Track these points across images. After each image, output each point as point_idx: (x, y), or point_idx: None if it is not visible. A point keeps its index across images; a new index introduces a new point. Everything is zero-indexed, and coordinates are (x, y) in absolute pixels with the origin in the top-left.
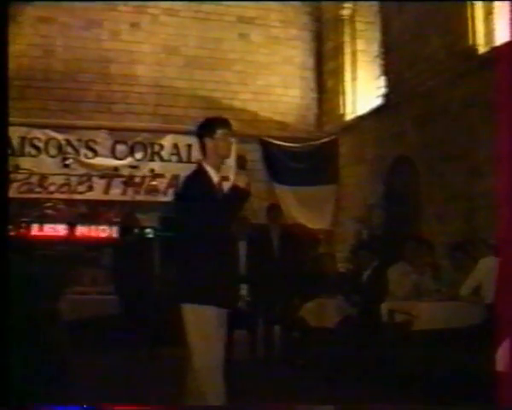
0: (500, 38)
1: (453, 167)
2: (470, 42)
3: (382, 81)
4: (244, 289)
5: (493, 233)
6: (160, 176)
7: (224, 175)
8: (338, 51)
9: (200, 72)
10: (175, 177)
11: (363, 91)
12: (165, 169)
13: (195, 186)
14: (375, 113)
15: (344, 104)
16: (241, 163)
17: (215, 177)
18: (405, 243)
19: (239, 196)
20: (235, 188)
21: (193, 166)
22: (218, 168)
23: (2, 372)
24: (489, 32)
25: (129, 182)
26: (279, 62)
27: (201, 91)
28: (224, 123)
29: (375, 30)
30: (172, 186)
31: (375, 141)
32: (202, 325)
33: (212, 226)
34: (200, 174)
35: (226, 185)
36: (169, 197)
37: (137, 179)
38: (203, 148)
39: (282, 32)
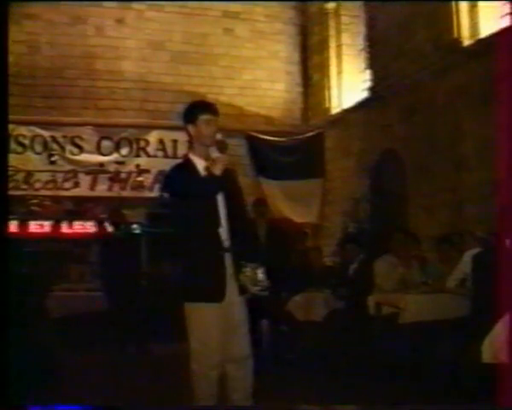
0: (485, 31)
1: (440, 160)
2: (455, 35)
3: (368, 74)
4: (261, 273)
5: (480, 226)
6: (146, 172)
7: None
8: (323, 45)
9: (186, 67)
10: (161, 172)
11: (349, 85)
12: (151, 165)
13: (179, 177)
14: (361, 106)
15: (330, 98)
16: (221, 147)
17: (201, 166)
18: (392, 236)
19: (214, 182)
20: (210, 174)
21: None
22: (205, 157)
23: (2, 372)
24: (474, 25)
25: (115, 178)
26: (265, 57)
27: (187, 86)
28: (205, 107)
29: (361, 23)
30: (158, 182)
31: (361, 134)
32: (194, 321)
33: (193, 217)
34: (184, 165)
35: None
36: (155, 193)
37: (123, 175)
38: (189, 135)
39: (268, 27)
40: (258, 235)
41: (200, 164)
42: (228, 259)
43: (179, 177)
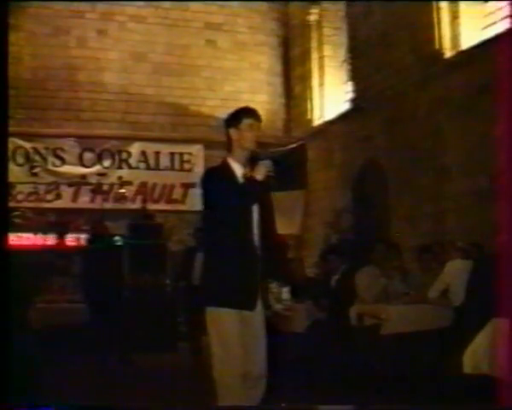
0: (466, 42)
1: (421, 171)
2: (437, 46)
3: (350, 86)
4: (286, 292)
5: (461, 236)
6: (128, 183)
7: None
8: (305, 57)
9: (168, 78)
10: (143, 184)
11: (331, 96)
12: (133, 176)
13: (217, 181)
14: (343, 117)
15: (312, 109)
16: (262, 154)
17: (239, 171)
18: (374, 247)
19: (255, 189)
20: (251, 180)
21: (162, 174)
22: (243, 162)
23: (2, 372)
24: (455, 36)
25: (97, 190)
26: (246, 68)
27: (169, 98)
28: (250, 112)
29: (343, 35)
30: (140, 193)
31: (343, 145)
32: (219, 327)
33: (228, 221)
34: (222, 169)
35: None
36: (137, 205)
37: (106, 187)
38: (229, 140)
39: (250, 38)
40: (286, 252)
41: (238, 169)
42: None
43: (216, 180)
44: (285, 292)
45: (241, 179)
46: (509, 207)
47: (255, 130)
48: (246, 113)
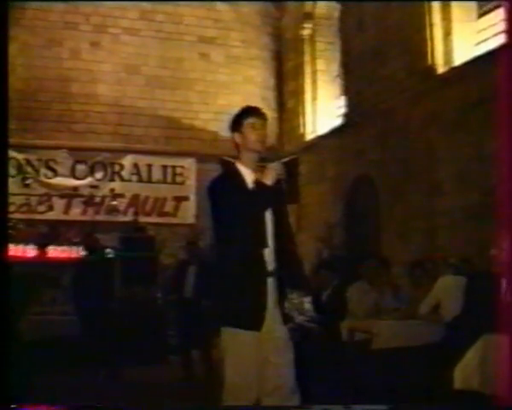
0: (459, 58)
1: (413, 186)
2: (429, 62)
3: (342, 101)
4: (308, 303)
5: (453, 252)
6: (120, 196)
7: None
8: (298, 71)
9: (161, 91)
10: (135, 197)
11: (324, 111)
12: (126, 189)
13: (223, 189)
14: (336, 132)
15: (304, 124)
16: (271, 157)
17: (249, 177)
18: (365, 262)
19: (264, 195)
20: (259, 185)
21: (154, 186)
22: (253, 167)
23: (2, 373)
24: (448, 52)
25: (89, 202)
26: (240, 82)
27: (162, 111)
28: (251, 111)
29: (335, 50)
30: (132, 206)
31: (335, 160)
32: (234, 350)
33: (237, 234)
34: (230, 175)
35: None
36: (129, 217)
37: (97, 199)
38: (235, 145)
39: (243, 52)
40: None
41: (247, 175)
42: (271, 283)
43: (224, 188)
44: (307, 303)
45: (251, 186)
46: (509, 222)
47: (259, 129)
48: (246, 113)
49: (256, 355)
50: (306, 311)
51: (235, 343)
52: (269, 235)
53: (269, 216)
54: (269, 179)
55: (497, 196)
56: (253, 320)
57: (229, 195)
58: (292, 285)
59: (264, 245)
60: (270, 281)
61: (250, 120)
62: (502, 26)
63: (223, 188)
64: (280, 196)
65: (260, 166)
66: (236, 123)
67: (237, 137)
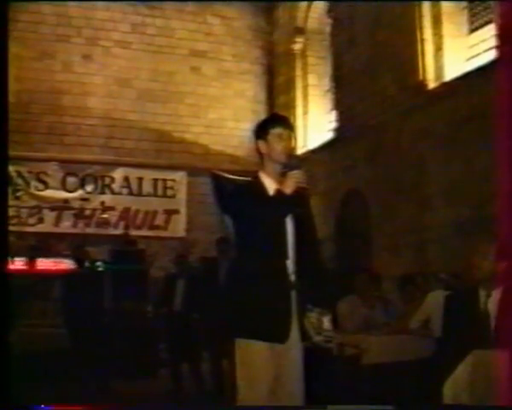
0: (450, 74)
1: (403, 200)
2: (420, 77)
3: (334, 115)
4: (327, 322)
5: (443, 266)
6: (111, 209)
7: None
8: (289, 85)
9: (152, 104)
10: (126, 210)
11: (315, 125)
12: (116, 202)
13: (242, 197)
14: (327, 147)
15: (295, 138)
16: (291, 164)
17: (271, 187)
18: (356, 277)
19: (283, 203)
20: (279, 195)
21: (145, 200)
22: (276, 176)
23: (2, 373)
24: (439, 68)
25: (79, 214)
26: (231, 96)
27: (153, 124)
28: (278, 120)
29: (327, 64)
30: (123, 219)
31: (326, 175)
32: (246, 360)
33: (258, 242)
34: (252, 184)
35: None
36: (119, 230)
37: (88, 212)
38: (258, 153)
39: (234, 66)
40: (327, 274)
41: (270, 184)
42: (294, 296)
43: (243, 196)
44: (326, 322)
45: (271, 194)
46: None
47: (286, 140)
48: (273, 121)
49: (274, 369)
50: (325, 330)
51: (253, 355)
52: (290, 245)
53: (291, 226)
54: (288, 188)
55: (495, 211)
56: (278, 332)
57: (248, 205)
58: (312, 301)
59: (285, 256)
60: (294, 294)
61: (277, 130)
62: (493, 41)
63: (241, 195)
64: (302, 204)
65: (282, 173)
66: (262, 131)
67: (262, 145)
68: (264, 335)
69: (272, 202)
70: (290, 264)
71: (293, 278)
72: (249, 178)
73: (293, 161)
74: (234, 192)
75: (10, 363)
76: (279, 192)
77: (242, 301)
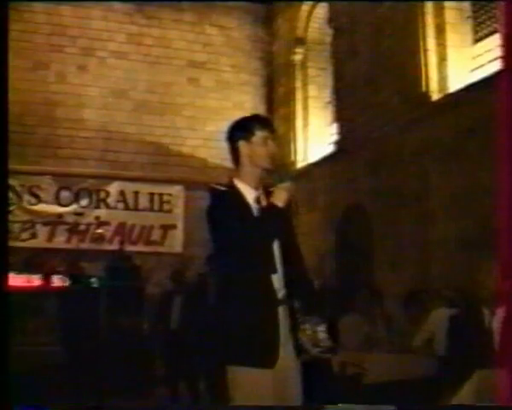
0: (454, 85)
1: (406, 215)
2: (423, 88)
3: (334, 128)
4: (322, 332)
5: (447, 283)
6: (106, 224)
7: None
8: (289, 97)
9: (149, 117)
10: (121, 225)
11: (315, 138)
12: (111, 217)
13: (225, 211)
14: (327, 160)
15: (295, 151)
16: (282, 174)
17: (250, 195)
18: (357, 294)
19: (275, 220)
20: (270, 208)
21: (141, 214)
22: (254, 182)
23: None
24: (442, 79)
25: (74, 229)
26: (229, 108)
27: (150, 137)
28: (264, 122)
29: (327, 76)
30: (118, 234)
31: (326, 188)
32: (242, 390)
33: (241, 259)
34: (229, 194)
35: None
36: (115, 246)
37: (82, 227)
38: (236, 155)
39: (233, 77)
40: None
41: (248, 193)
42: (282, 313)
43: (226, 210)
44: (321, 332)
45: (254, 206)
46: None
47: (270, 145)
48: (260, 123)
49: (267, 394)
50: (321, 340)
51: (245, 383)
52: (277, 259)
53: (276, 241)
54: (279, 201)
55: (496, 225)
56: (265, 356)
57: (231, 218)
58: (304, 313)
59: (273, 271)
60: (281, 310)
61: (263, 133)
62: (498, 51)
63: (222, 209)
64: (289, 217)
65: (265, 184)
66: (246, 131)
67: (244, 147)
68: (250, 360)
69: (262, 219)
70: (278, 279)
71: (281, 293)
72: (223, 188)
73: (283, 171)
74: (212, 204)
75: (10, 363)
76: (270, 206)
77: (227, 324)
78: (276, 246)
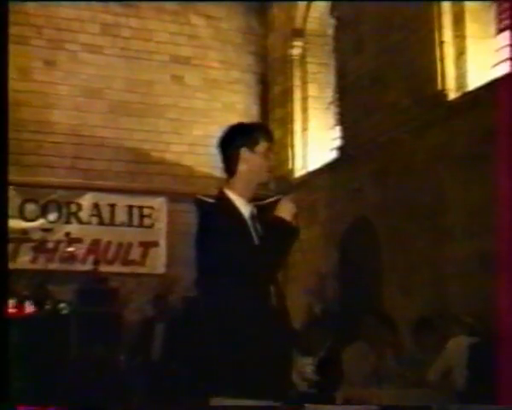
0: (474, 82)
1: (419, 230)
2: (439, 86)
3: (337, 132)
4: (310, 365)
5: (466, 307)
6: (78, 241)
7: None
8: (286, 97)
9: (127, 119)
10: (95, 242)
11: (316, 143)
12: (84, 233)
13: (214, 224)
14: (329, 168)
15: (293, 158)
16: (284, 187)
17: (245, 209)
18: (363, 320)
19: (283, 233)
20: (277, 222)
21: (118, 230)
22: (248, 196)
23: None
24: (460, 75)
25: (40, 248)
26: (218, 109)
27: (128, 142)
28: (268, 133)
29: (329, 73)
30: (92, 253)
31: (328, 200)
32: None
33: (245, 282)
34: (223, 207)
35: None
36: (88, 266)
37: (50, 245)
38: (233, 164)
39: (222, 75)
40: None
41: (243, 207)
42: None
43: (218, 226)
44: (308, 366)
45: (250, 223)
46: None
47: (270, 158)
48: (264, 132)
49: None
50: (308, 375)
51: None
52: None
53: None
54: (288, 215)
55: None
56: (274, 387)
57: (226, 237)
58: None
59: (271, 300)
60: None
61: (267, 144)
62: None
63: (216, 226)
64: (296, 234)
65: (259, 198)
66: (250, 138)
67: (247, 155)
68: (259, 391)
69: (267, 237)
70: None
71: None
72: (213, 200)
73: (283, 185)
74: (204, 218)
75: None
76: (276, 221)
77: (224, 350)
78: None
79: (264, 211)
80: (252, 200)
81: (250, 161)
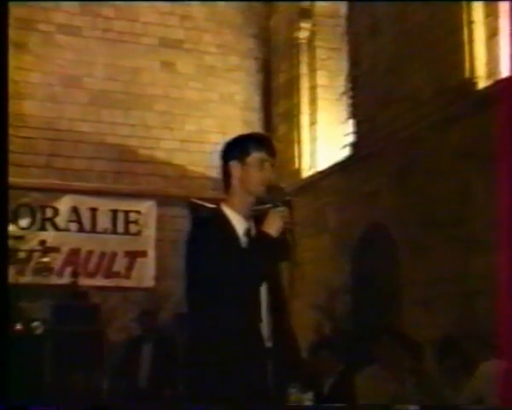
0: (508, 68)
1: (442, 239)
2: (466, 74)
3: (350, 126)
4: (309, 400)
5: (494, 326)
6: (54, 250)
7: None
8: (292, 87)
9: (110, 112)
10: (74, 252)
11: (325, 140)
12: (61, 241)
13: (204, 241)
14: (341, 168)
15: (300, 156)
16: (276, 197)
17: (240, 226)
18: (379, 340)
19: (263, 249)
20: (261, 237)
21: (100, 238)
22: (245, 212)
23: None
24: (492, 60)
25: (10, 258)
26: (215, 100)
27: (111, 138)
28: (262, 143)
29: (341, 59)
30: (71, 264)
31: (339, 205)
32: None
33: (225, 302)
34: (215, 224)
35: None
36: (66, 279)
37: (22, 254)
38: (227, 178)
39: (220, 61)
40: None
41: (239, 223)
42: (270, 366)
43: (210, 243)
44: (307, 400)
45: (243, 240)
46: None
47: (266, 169)
48: (256, 143)
49: None
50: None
51: None
52: (263, 304)
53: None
54: (273, 229)
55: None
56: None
57: (217, 253)
58: (289, 375)
59: (259, 318)
60: (269, 363)
61: (260, 155)
62: None
63: (208, 242)
64: (284, 250)
65: (255, 209)
66: (241, 151)
67: (236, 168)
68: None
69: (251, 251)
70: (264, 329)
71: (269, 343)
72: (208, 215)
73: (278, 194)
74: (195, 233)
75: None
76: (261, 236)
77: (207, 373)
78: (263, 288)
79: (259, 221)
80: (250, 215)
81: (241, 174)
